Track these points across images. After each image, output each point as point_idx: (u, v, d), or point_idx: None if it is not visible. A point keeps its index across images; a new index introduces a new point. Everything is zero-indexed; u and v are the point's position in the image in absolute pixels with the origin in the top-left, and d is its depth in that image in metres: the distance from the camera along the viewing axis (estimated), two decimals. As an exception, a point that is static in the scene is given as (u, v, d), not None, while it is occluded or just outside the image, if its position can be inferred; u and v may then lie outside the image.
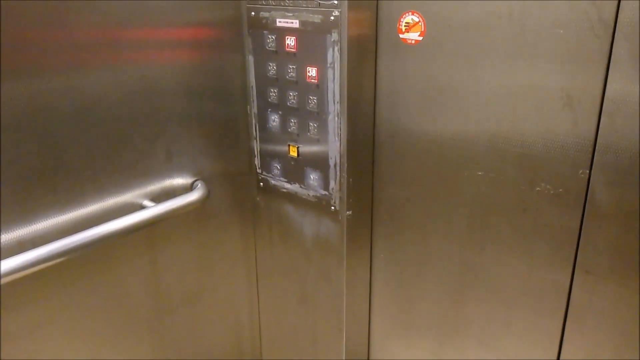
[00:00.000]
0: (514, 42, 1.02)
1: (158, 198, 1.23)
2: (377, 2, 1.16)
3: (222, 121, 1.35)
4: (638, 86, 0.92)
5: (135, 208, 1.18)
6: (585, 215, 1.04)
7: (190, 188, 1.29)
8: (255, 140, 1.41)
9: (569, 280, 1.09)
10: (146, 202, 1.20)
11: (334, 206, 1.28)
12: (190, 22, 1.21)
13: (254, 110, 1.37)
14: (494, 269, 1.19)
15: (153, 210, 1.17)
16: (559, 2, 0.95)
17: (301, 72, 1.22)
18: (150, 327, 1.32)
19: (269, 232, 1.49)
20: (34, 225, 1.04)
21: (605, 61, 0.94)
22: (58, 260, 1.01)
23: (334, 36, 1.13)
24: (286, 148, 1.33)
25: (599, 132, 0.98)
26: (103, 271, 1.18)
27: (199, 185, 1.27)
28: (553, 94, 1.00)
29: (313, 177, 1.30)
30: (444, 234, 1.24)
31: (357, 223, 1.31)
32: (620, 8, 0.89)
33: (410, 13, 1.12)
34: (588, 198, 1.02)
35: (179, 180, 1.27)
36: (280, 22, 1.22)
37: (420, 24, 1.11)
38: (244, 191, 1.46)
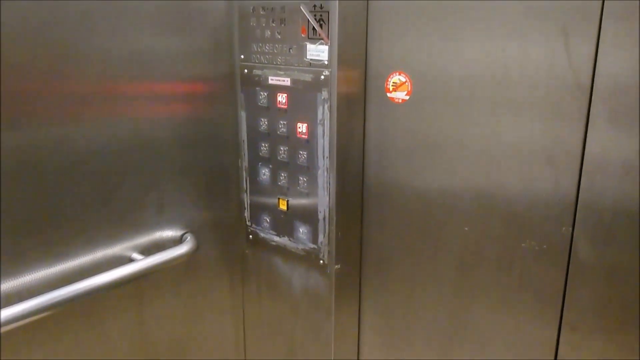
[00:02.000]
0: (497, 102, 1.06)
1: (147, 250, 1.23)
2: (366, 63, 1.21)
3: (213, 174, 1.37)
4: (615, 147, 0.95)
5: (124, 261, 1.18)
6: (569, 272, 1.05)
7: (179, 240, 1.29)
8: (245, 193, 1.42)
9: (556, 336, 1.10)
10: (135, 255, 1.20)
11: (323, 260, 1.29)
12: (185, 77, 1.25)
13: (245, 163, 1.39)
14: (481, 323, 1.19)
15: (141, 263, 1.17)
16: (539, 66, 1.00)
17: (292, 127, 1.26)
18: (134, 382, 1.30)
19: (257, 285, 1.48)
20: (21, 278, 1.03)
21: (584, 122, 0.98)
22: (45, 313, 1.00)
23: (324, 94, 1.17)
24: (276, 201, 1.35)
25: (580, 190, 1.01)
26: (90, 324, 1.17)
27: (189, 238, 1.28)
28: (535, 153, 1.04)
29: (302, 230, 1.31)
30: (432, 288, 1.25)
31: (345, 277, 1.32)
32: (596, 74, 0.94)
33: (397, 73, 1.17)
34: (572, 255, 1.04)
35: (169, 233, 1.28)
36: (273, 80, 1.26)
37: (407, 83, 1.16)
38: (233, 244, 1.47)
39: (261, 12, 1.25)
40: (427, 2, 1.10)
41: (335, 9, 1.11)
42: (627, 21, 0.90)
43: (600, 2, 0.91)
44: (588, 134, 0.98)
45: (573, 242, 1.04)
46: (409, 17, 1.13)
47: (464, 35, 1.07)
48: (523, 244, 1.09)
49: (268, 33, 1.25)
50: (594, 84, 0.95)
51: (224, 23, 1.30)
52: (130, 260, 1.19)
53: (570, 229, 1.03)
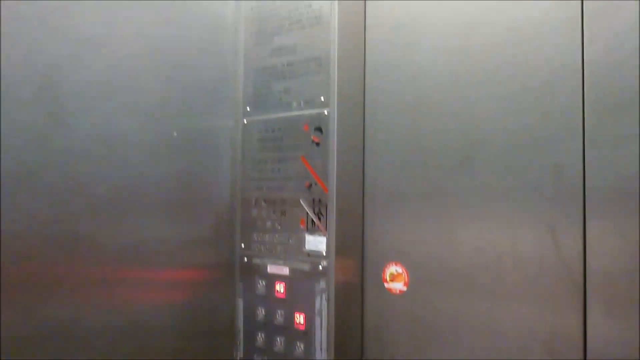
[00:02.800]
0: (493, 293, 1.07)
1: None
2: (363, 254, 1.24)
3: (206, 367, 1.32)
4: (615, 340, 0.95)
5: None
6: None
7: None
8: (238, 387, 1.36)
9: None
10: None
11: None
12: (185, 265, 1.27)
13: (240, 354, 1.35)
14: None
15: None
16: (531, 259, 1.03)
17: (289, 318, 1.25)
18: None
19: None
20: None
21: (582, 315, 0.98)
22: None
23: (322, 284, 1.19)
24: (271, 397, 1.28)
25: (587, 386, 0.98)
26: None
27: None
28: (535, 343, 1.02)
29: None
30: None
31: None
32: (587, 268, 0.97)
33: (393, 264, 1.20)
34: None
35: None
36: (271, 269, 1.29)
37: (403, 274, 1.18)
38: None
39: (263, 204, 1.32)
40: (423, 198, 1.17)
41: (332, 204, 1.18)
42: (610, 218, 0.96)
43: (582, 204, 0.98)
44: (587, 326, 0.98)
45: None
46: (404, 209, 1.20)
47: (458, 229, 1.12)
48: None
49: (269, 224, 1.30)
50: (587, 278, 0.97)
51: (227, 212, 1.36)
52: None
53: None
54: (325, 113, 1.21)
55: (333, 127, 1.19)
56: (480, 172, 1.10)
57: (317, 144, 1.22)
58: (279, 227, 1.28)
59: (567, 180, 1.00)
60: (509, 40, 1.08)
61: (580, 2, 1.01)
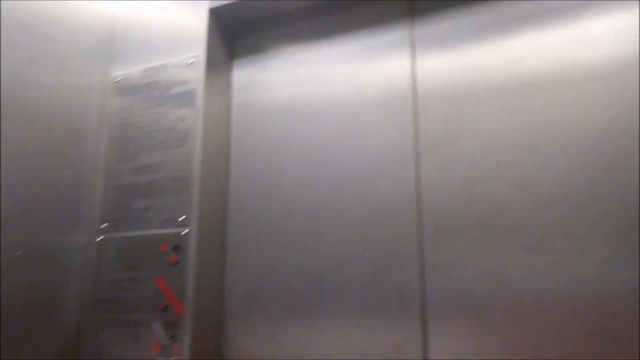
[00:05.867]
0: None
1: None
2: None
3: None
4: None
5: None
6: None
7: None
8: None
9: None
10: None
11: None
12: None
13: None
14: None
15: None
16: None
17: None
18: None
19: None
20: None
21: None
22: None
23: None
24: None
25: None
26: None
27: None
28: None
29: None
30: None
31: None
32: None
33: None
34: None
35: None
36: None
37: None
38: None
39: (114, 328, 1.22)
40: (282, 315, 1.16)
41: (189, 327, 1.13)
42: (450, 335, 0.99)
43: (423, 322, 1.02)
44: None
45: None
46: (264, 325, 1.17)
47: (312, 346, 1.10)
48: None
49: (116, 349, 1.20)
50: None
51: (73, 340, 1.24)
52: None
53: None
54: (184, 232, 1.19)
55: (192, 246, 1.17)
56: (334, 295, 1.12)
57: (175, 263, 1.18)
58: (127, 355, 1.19)
59: (409, 301, 1.04)
60: (353, 174, 1.17)
61: (412, 141, 1.12)
